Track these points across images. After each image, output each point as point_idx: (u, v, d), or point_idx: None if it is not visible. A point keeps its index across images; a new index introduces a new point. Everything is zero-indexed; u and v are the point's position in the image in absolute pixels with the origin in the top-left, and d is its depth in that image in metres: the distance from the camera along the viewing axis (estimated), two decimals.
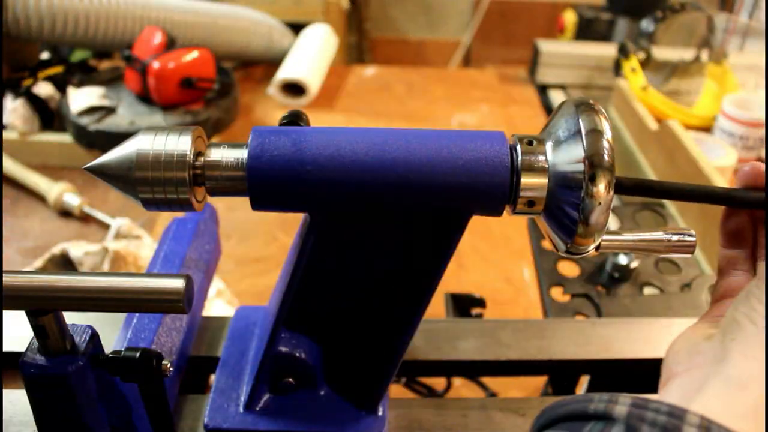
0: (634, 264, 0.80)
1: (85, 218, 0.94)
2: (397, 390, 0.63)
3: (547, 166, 0.34)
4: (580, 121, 0.33)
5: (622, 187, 0.35)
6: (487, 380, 0.66)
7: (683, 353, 0.34)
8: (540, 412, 0.31)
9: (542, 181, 0.34)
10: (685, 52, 1.30)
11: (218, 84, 1.08)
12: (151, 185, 0.35)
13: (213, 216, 0.61)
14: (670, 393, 0.32)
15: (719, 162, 1.01)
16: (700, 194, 0.37)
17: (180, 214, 0.58)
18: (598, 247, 0.36)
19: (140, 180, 0.35)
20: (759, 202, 0.36)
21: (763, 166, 0.37)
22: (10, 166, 1.00)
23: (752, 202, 0.36)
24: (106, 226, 0.90)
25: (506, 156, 0.35)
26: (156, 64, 1.01)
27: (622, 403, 0.28)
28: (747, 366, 0.30)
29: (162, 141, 0.35)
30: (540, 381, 0.71)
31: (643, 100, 1.17)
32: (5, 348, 0.52)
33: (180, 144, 0.35)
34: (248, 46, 1.34)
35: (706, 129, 1.16)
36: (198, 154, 0.36)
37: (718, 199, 0.37)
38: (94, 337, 0.40)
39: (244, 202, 0.36)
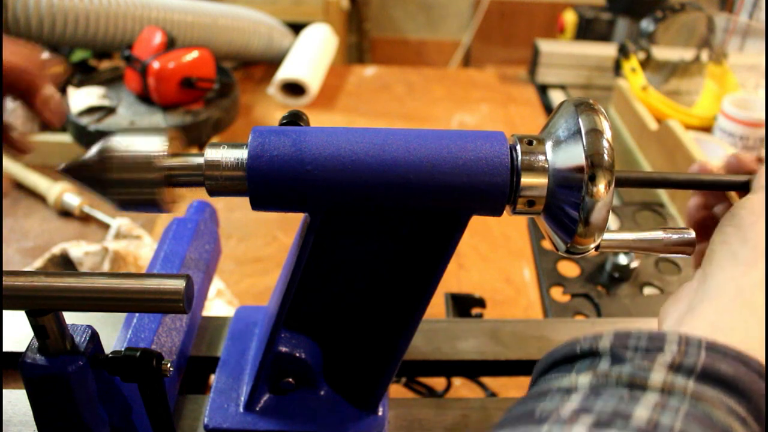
0: (634, 264, 0.80)
1: (85, 218, 0.94)
2: (397, 390, 0.63)
3: (547, 165, 0.34)
4: (580, 120, 0.33)
5: (622, 181, 0.37)
6: (487, 380, 0.66)
7: (670, 301, 0.37)
8: (534, 367, 0.33)
9: (542, 180, 0.34)
10: (685, 52, 1.30)
11: (218, 84, 1.08)
12: (123, 186, 0.35)
13: (213, 216, 0.61)
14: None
15: (719, 162, 1.01)
16: (687, 182, 0.40)
17: (180, 214, 0.58)
18: (597, 247, 0.36)
19: (112, 181, 0.35)
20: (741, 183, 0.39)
21: (744, 156, 0.42)
22: (10, 166, 1.00)
23: (736, 185, 0.39)
24: (106, 226, 0.90)
25: (506, 156, 0.35)
26: (156, 64, 1.01)
27: (606, 338, 0.29)
28: (720, 276, 0.33)
29: (133, 142, 0.36)
30: None
31: (643, 100, 1.17)
32: (5, 348, 0.52)
33: (150, 145, 0.35)
34: (248, 46, 1.34)
35: (706, 129, 1.16)
36: (174, 155, 0.36)
37: (705, 185, 0.40)
38: (94, 337, 0.40)
39: (244, 202, 0.36)
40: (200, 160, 0.36)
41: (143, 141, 0.36)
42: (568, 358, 0.30)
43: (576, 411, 0.25)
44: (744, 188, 0.38)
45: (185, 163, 0.36)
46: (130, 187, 0.36)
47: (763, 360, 0.28)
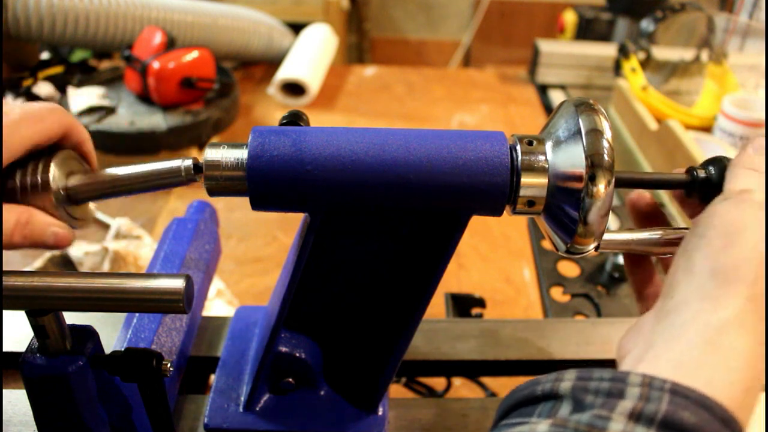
0: None
1: None
2: (397, 390, 0.63)
3: (547, 165, 0.34)
4: (580, 121, 0.33)
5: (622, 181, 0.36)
6: (487, 380, 0.66)
7: (630, 333, 0.34)
8: (499, 405, 0.32)
9: (542, 180, 0.34)
10: (685, 52, 1.30)
11: (218, 84, 1.08)
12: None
13: (213, 216, 0.61)
14: (621, 368, 0.32)
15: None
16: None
17: (179, 214, 0.58)
18: (597, 247, 0.36)
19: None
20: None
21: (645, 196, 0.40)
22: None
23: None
24: (106, 226, 0.90)
25: (506, 156, 0.35)
26: (156, 64, 1.01)
27: (567, 379, 0.28)
28: (685, 313, 0.30)
29: (27, 173, 0.37)
30: None
31: (643, 100, 1.17)
32: (5, 348, 0.52)
33: (42, 172, 0.37)
34: (248, 46, 1.34)
35: (706, 129, 1.16)
36: (70, 174, 0.38)
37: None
38: (94, 337, 0.40)
39: (244, 202, 0.36)
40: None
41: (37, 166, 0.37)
42: (531, 400, 0.29)
43: None
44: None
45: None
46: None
47: (727, 404, 0.26)
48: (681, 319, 0.30)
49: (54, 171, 0.37)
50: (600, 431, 0.25)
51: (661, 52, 1.29)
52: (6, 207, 0.35)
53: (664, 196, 0.99)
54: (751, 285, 0.29)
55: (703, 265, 0.31)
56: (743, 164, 0.34)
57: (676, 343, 0.29)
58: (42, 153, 0.38)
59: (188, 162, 0.37)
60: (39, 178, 0.37)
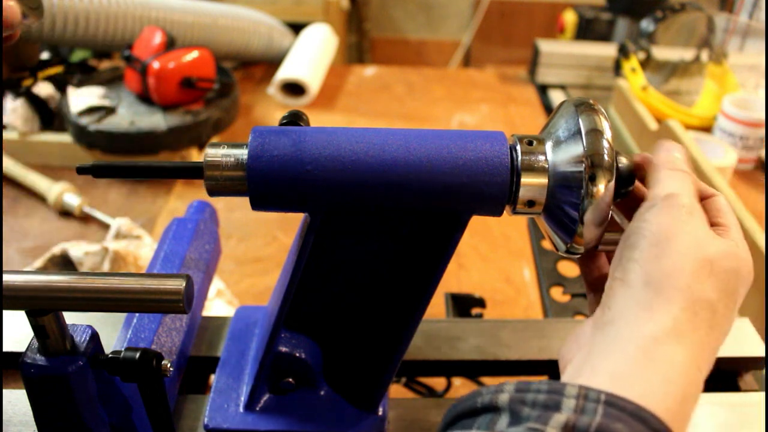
0: None
1: (85, 218, 0.94)
2: (397, 390, 0.63)
3: (547, 166, 0.34)
4: (580, 121, 0.33)
5: None
6: (487, 380, 0.66)
7: (570, 342, 0.34)
8: (444, 414, 0.31)
9: (542, 181, 0.34)
10: (685, 52, 1.30)
11: (218, 84, 1.08)
12: None
13: (213, 216, 0.61)
14: (563, 377, 0.32)
15: (719, 162, 1.02)
16: None
17: (179, 214, 0.58)
18: (597, 248, 0.36)
19: None
20: None
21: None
22: (10, 166, 1.00)
23: None
24: (106, 226, 0.90)
25: (506, 156, 0.35)
26: (156, 64, 1.01)
27: (506, 391, 0.28)
28: (622, 324, 0.30)
29: None
30: None
31: (643, 100, 1.17)
32: (5, 348, 0.52)
33: None
34: (248, 46, 1.34)
35: (706, 129, 1.16)
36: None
37: None
38: (94, 337, 0.40)
39: (244, 202, 0.36)
40: None
41: None
42: (471, 412, 0.29)
43: None
44: None
45: None
46: None
47: (663, 415, 0.26)
48: (617, 331, 0.30)
49: None
50: None
51: (661, 52, 1.29)
52: None
53: None
54: (685, 293, 0.30)
55: (637, 276, 0.31)
56: (664, 165, 0.34)
57: (613, 355, 0.29)
58: None
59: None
60: None
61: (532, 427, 0.25)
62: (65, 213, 0.95)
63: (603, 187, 0.33)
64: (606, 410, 0.26)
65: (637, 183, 0.36)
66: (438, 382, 0.66)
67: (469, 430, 0.27)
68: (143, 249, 0.82)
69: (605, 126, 0.33)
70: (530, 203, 0.35)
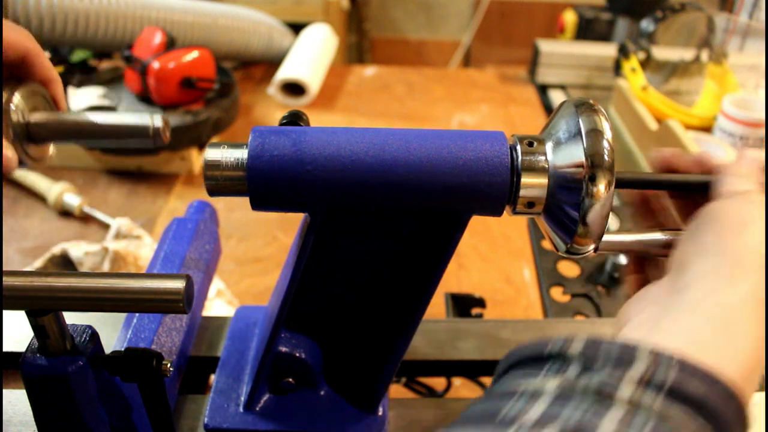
0: None
1: (85, 218, 0.94)
2: (397, 390, 0.63)
3: (547, 166, 0.34)
4: (580, 121, 0.33)
5: (623, 182, 0.37)
6: (487, 380, 0.66)
7: (632, 304, 0.35)
8: (501, 360, 0.32)
9: (542, 181, 0.34)
10: (685, 52, 1.30)
11: (218, 84, 1.08)
12: None
13: (213, 216, 0.61)
14: (625, 335, 0.33)
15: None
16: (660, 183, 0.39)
17: (179, 214, 0.58)
18: (597, 248, 0.36)
19: None
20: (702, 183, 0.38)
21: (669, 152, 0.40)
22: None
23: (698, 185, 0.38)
24: (106, 226, 0.90)
25: (506, 156, 0.35)
26: (156, 64, 1.01)
27: (577, 341, 0.28)
28: (699, 290, 0.31)
29: None
30: None
31: (643, 100, 1.17)
32: (5, 348, 0.52)
33: (6, 98, 0.35)
34: (248, 46, 1.34)
35: (706, 129, 1.16)
36: (34, 110, 0.36)
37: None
38: (94, 337, 0.40)
39: (244, 202, 0.36)
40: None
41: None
42: (537, 358, 0.29)
43: (541, 419, 0.24)
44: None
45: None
46: None
47: (735, 381, 0.27)
48: (694, 296, 0.31)
49: (18, 100, 0.35)
50: (609, 392, 0.25)
51: (661, 52, 1.29)
52: None
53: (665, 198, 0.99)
54: (758, 273, 0.31)
55: (716, 247, 0.32)
56: (733, 173, 0.37)
57: (688, 319, 0.30)
58: (6, 82, 0.36)
59: (158, 122, 0.37)
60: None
61: (608, 378, 0.26)
62: (65, 213, 0.95)
63: (603, 188, 0.33)
64: (680, 369, 0.26)
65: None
66: (438, 382, 0.66)
67: (536, 375, 0.28)
68: (143, 249, 0.82)
69: (605, 126, 0.33)
70: (530, 203, 0.35)
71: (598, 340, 0.28)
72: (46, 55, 0.39)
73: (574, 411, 0.25)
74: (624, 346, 0.27)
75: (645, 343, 0.27)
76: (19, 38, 0.36)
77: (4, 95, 0.35)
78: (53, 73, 0.39)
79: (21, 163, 0.37)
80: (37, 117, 0.37)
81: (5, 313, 0.53)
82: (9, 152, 0.34)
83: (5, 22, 0.36)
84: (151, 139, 0.36)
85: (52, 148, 0.40)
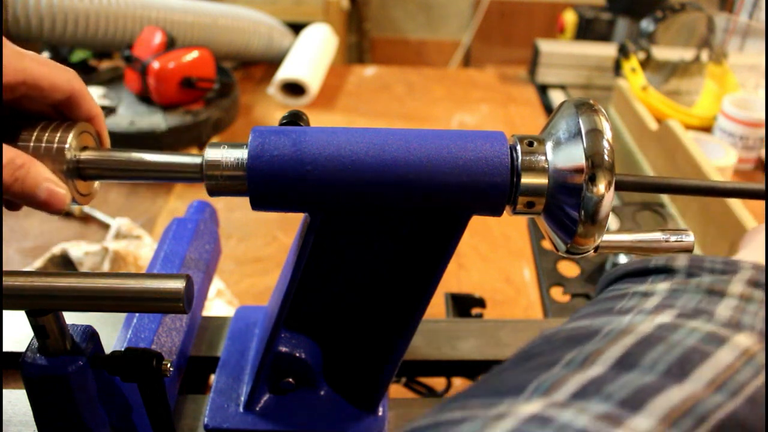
0: None
1: (85, 218, 0.94)
2: (397, 390, 0.63)
3: (547, 166, 0.34)
4: (580, 121, 0.33)
5: (624, 185, 0.36)
6: None
7: (753, 232, 0.38)
8: (600, 280, 0.34)
9: (542, 181, 0.34)
10: (685, 52, 1.30)
11: (218, 84, 1.08)
12: None
13: (213, 216, 0.61)
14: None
15: (719, 162, 1.02)
16: (701, 189, 0.38)
17: (179, 214, 0.58)
18: (596, 249, 0.36)
19: None
20: (759, 192, 0.38)
21: None
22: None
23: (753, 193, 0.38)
24: (106, 226, 0.90)
25: (506, 156, 0.35)
26: (156, 64, 1.01)
27: (681, 258, 0.30)
28: None
29: (44, 134, 0.36)
30: None
31: (643, 100, 1.17)
32: (5, 348, 0.52)
33: (60, 137, 0.36)
34: (248, 46, 1.34)
35: (706, 129, 1.16)
36: (84, 148, 0.37)
37: (720, 192, 0.39)
38: (94, 337, 0.40)
39: (244, 202, 0.36)
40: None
41: (53, 133, 0.36)
42: (640, 272, 0.31)
43: (658, 306, 0.26)
44: (761, 197, 0.38)
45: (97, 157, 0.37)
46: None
47: None
48: None
49: (72, 140, 0.36)
50: (720, 290, 0.27)
51: (661, 52, 1.29)
52: (7, 146, 0.34)
53: (664, 196, 0.99)
54: None
55: None
56: None
57: None
58: (53, 120, 0.37)
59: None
60: (55, 144, 0.36)
61: (716, 281, 0.28)
62: (65, 213, 0.95)
63: (603, 188, 0.33)
64: None
65: None
66: (438, 382, 0.66)
67: (643, 282, 0.30)
68: (143, 249, 0.82)
69: (605, 126, 0.33)
70: (530, 203, 0.35)
71: (701, 257, 0.30)
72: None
73: (688, 301, 0.27)
74: (727, 260, 0.29)
75: (745, 260, 0.29)
76: (66, 79, 0.37)
77: (60, 134, 0.36)
78: (97, 109, 0.40)
79: (73, 201, 0.38)
80: (87, 155, 0.38)
81: (5, 313, 0.53)
82: (62, 189, 0.36)
83: (53, 63, 0.37)
84: (199, 178, 0.37)
85: (97, 184, 0.40)
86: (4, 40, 0.34)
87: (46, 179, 0.35)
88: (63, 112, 0.39)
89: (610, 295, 0.30)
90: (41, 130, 0.36)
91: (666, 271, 0.30)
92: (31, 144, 0.36)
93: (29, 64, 0.35)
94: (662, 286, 0.29)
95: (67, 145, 0.36)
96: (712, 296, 0.27)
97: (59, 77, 0.37)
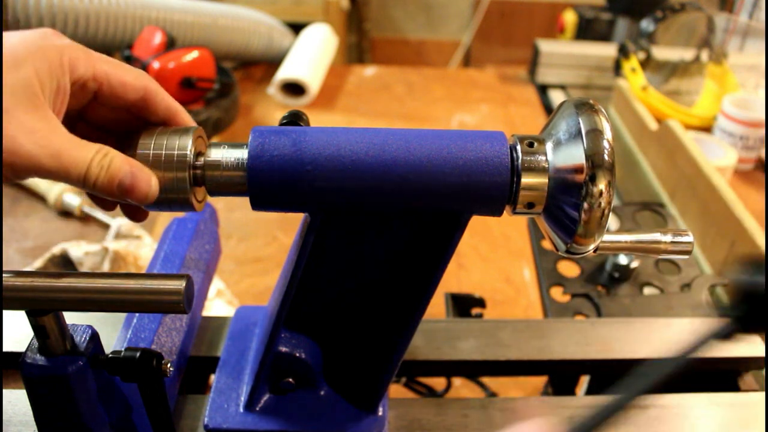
0: (634, 264, 0.80)
1: (85, 218, 0.94)
2: (397, 390, 0.63)
3: (547, 166, 0.34)
4: (580, 121, 0.33)
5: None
6: (487, 380, 0.66)
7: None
8: None
9: (542, 181, 0.34)
10: (685, 52, 1.30)
11: (218, 84, 1.08)
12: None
13: (213, 216, 0.61)
14: None
15: (719, 162, 1.02)
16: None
17: (180, 214, 0.58)
18: (596, 249, 0.36)
19: None
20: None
21: None
22: None
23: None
24: (106, 226, 0.90)
25: (506, 156, 0.35)
26: (156, 64, 1.01)
27: None
28: None
29: (162, 142, 0.36)
30: (540, 381, 0.71)
31: (643, 100, 1.17)
32: (5, 348, 0.52)
33: (180, 144, 0.36)
34: (248, 46, 1.34)
35: (706, 129, 1.16)
36: (198, 154, 0.36)
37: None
38: (94, 337, 0.40)
39: (244, 202, 0.36)
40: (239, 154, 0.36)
41: (172, 140, 0.36)
42: None
43: None
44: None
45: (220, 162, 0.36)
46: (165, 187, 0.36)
47: None
48: None
49: (191, 146, 0.36)
50: None
51: (661, 52, 1.29)
52: (87, 142, 0.33)
53: (664, 195, 0.99)
54: None
55: None
56: None
57: None
58: (156, 126, 0.37)
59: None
60: (176, 153, 0.35)
61: None
62: (65, 213, 0.95)
63: (603, 188, 0.33)
64: None
65: None
66: (438, 382, 0.66)
67: None
68: (143, 249, 0.82)
69: (605, 126, 0.33)
70: (530, 203, 0.35)
71: None
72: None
73: None
74: None
75: None
76: (138, 78, 0.37)
77: (177, 141, 0.36)
78: (175, 104, 0.39)
79: (191, 207, 0.37)
80: (202, 161, 0.37)
81: (5, 313, 0.53)
82: (146, 173, 0.35)
83: (121, 63, 0.36)
84: None
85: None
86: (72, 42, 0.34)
87: (130, 163, 0.34)
88: (141, 115, 0.38)
89: None
90: (156, 139, 0.36)
91: None
92: (151, 156, 0.35)
93: (98, 61, 0.35)
94: None
95: (188, 153, 0.35)
96: None
97: (129, 75, 0.36)
